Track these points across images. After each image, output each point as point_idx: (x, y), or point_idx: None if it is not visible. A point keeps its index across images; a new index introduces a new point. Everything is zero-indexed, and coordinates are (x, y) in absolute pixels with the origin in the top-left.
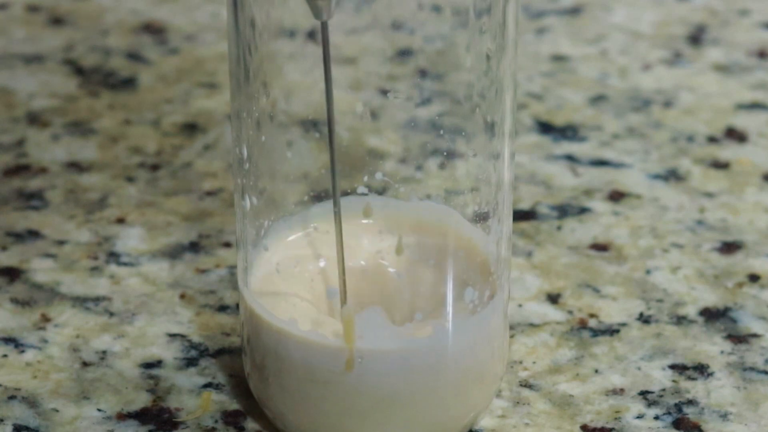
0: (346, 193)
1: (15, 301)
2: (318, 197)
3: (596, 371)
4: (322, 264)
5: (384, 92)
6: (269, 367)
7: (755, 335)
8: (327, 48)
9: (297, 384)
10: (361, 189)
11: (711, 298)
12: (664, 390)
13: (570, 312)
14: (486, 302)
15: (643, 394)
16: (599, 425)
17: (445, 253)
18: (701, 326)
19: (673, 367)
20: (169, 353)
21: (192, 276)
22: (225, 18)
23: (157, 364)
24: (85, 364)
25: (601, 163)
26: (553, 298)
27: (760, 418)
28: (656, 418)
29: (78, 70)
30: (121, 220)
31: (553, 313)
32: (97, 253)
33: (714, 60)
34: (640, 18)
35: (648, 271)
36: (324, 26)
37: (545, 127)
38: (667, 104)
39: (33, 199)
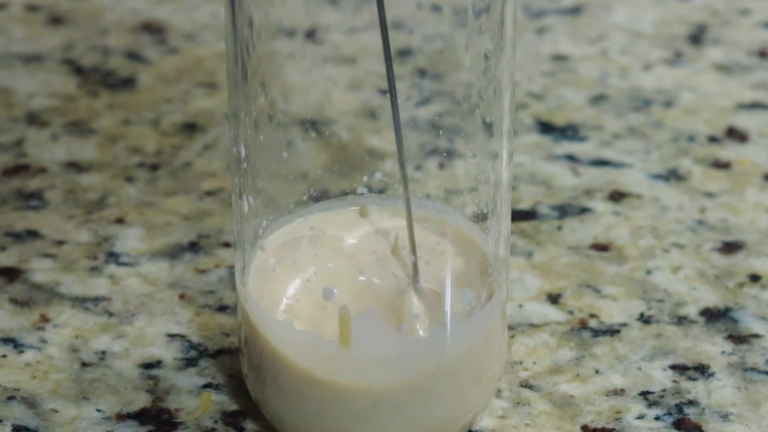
0: (344, 193)
1: (14, 301)
2: (316, 197)
3: (597, 371)
4: (319, 264)
5: (384, 92)
6: (266, 367)
7: (756, 335)
8: (384, 16)
9: (294, 385)
10: (361, 189)
11: (712, 298)
12: (664, 390)
13: (570, 312)
14: (484, 303)
15: (644, 394)
16: (600, 426)
17: (443, 254)
18: (702, 326)
19: (673, 367)
20: (169, 353)
21: (191, 276)
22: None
23: (157, 364)
24: (84, 365)
25: (601, 163)
26: (554, 299)
27: (761, 419)
28: (657, 418)
29: (77, 69)
30: (120, 220)
31: (553, 313)
32: (97, 253)
33: (715, 60)
34: (640, 17)
35: (648, 271)
36: None
37: (545, 127)
38: (668, 104)
39: (32, 199)
